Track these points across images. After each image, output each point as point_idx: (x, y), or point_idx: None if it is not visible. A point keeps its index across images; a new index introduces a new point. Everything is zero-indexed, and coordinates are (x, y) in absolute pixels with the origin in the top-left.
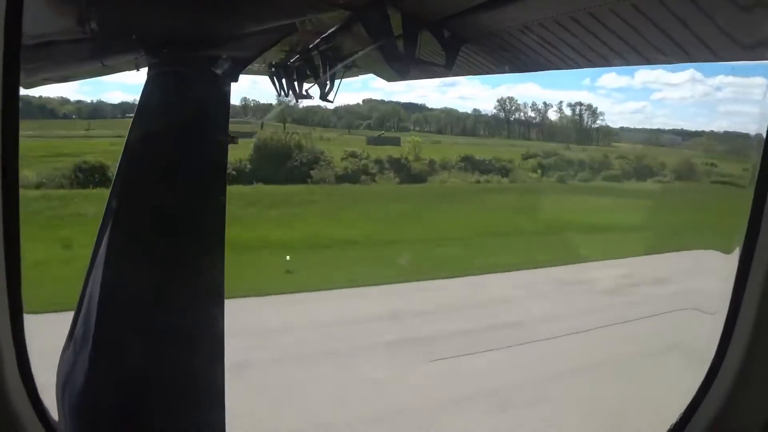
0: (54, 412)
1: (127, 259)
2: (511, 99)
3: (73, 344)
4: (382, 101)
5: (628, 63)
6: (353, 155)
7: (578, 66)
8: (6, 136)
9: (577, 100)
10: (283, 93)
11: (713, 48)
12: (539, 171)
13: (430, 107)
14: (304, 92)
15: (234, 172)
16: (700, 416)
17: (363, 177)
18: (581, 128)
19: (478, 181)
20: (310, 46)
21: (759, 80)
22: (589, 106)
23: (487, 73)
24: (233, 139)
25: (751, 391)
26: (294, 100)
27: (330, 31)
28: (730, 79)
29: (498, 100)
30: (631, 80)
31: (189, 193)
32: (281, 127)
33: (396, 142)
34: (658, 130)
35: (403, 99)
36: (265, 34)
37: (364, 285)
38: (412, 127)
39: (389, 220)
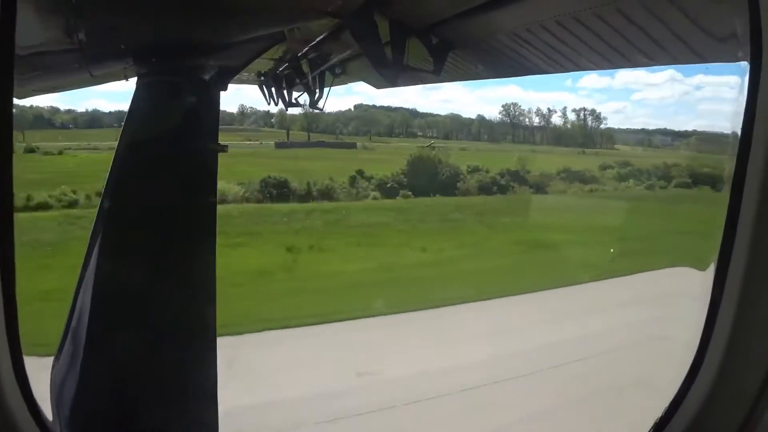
0: (48, 413)
1: (118, 261)
2: (515, 104)
3: (67, 344)
4: (374, 106)
5: (613, 66)
6: (477, 169)
7: (565, 70)
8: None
9: (576, 104)
10: (272, 101)
11: (697, 49)
12: (630, 180)
13: (421, 112)
14: (293, 100)
15: (396, 185)
16: (682, 412)
17: (494, 188)
18: (585, 132)
19: (591, 190)
20: (299, 54)
21: (737, 79)
22: (593, 111)
23: (475, 78)
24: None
25: (733, 386)
26: (287, 108)
27: (318, 39)
28: (711, 78)
29: (503, 106)
30: (611, 81)
31: (179, 198)
32: (306, 136)
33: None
34: (643, 130)
35: (387, 103)
36: (253, 43)
37: (670, 267)
38: (417, 133)
39: (583, 225)
